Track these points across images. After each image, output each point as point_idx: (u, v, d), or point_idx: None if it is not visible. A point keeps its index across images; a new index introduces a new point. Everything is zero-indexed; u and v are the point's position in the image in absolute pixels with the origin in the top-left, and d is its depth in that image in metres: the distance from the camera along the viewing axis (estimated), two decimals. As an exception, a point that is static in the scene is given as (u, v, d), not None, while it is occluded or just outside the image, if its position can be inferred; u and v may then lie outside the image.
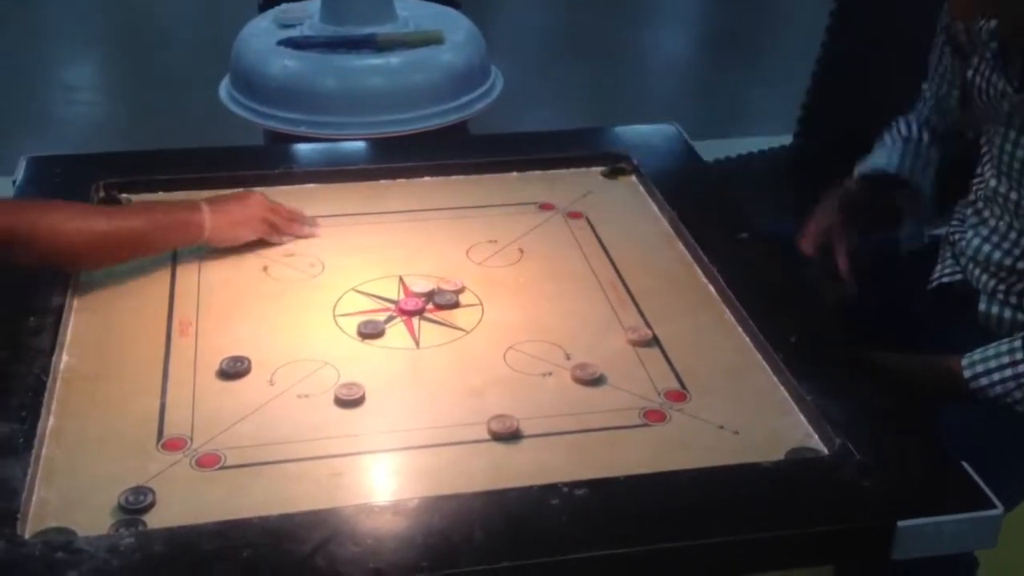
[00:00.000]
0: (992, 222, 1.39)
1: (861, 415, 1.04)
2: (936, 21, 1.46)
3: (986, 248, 1.39)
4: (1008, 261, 1.37)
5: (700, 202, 1.47)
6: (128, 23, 4.23)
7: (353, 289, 1.27)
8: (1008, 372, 1.23)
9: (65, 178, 1.46)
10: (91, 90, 3.84)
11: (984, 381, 1.25)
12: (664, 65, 4.15)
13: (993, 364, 1.24)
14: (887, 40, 1.99)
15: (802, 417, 1.07)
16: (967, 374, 1.26)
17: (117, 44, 4.14)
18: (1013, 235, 1.36)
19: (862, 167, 1.50)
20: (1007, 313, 1.38)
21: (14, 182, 1.44)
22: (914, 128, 1.51)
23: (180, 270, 1.29)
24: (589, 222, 1.43)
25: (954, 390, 1.26)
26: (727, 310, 1.24)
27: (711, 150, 1.87)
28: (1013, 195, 1.34)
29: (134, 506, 0.92)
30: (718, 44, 4.43)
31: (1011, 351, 1.24)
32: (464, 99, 1.99)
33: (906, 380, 1.21)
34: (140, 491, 0.93)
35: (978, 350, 1.27)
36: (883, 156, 1.49)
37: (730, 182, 1.61)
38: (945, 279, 1.46)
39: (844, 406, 1.05)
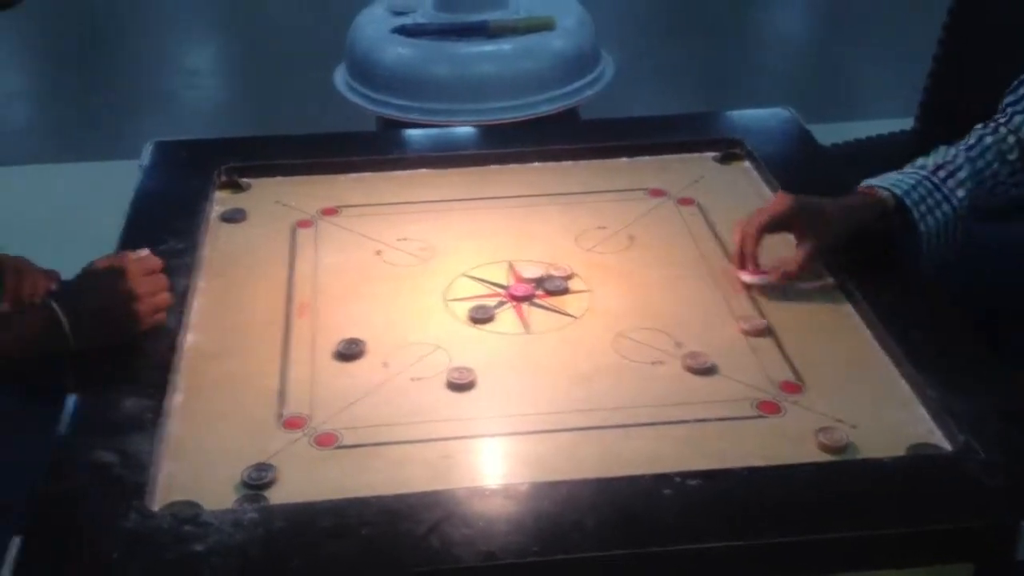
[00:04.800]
0: None
1: (986, 412, 1.01)
2: None
3: None
4: None
5: (816, 188, 1.42)
6: (246, 10, 4.33)
7: (464, 274, 1.28)
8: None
9: (189, 162, 1.51)
10: (211, 75, 3.95)
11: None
12: (778, 44, 4.06)
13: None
14: (1018, 18, 1.91)
15: (924, 412, 1.04)
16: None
17: (236, 31, 4.24)
18: None
19: (875, 179, 1.31)
20: None
21: (140, 165, 1.49)
22: (959, 162, 1.29)
23: (298, 254, 1.32)
24: (700, 208, 1.42)
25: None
26: (844, 299, 1.21)
27: (828, 134, 1.83)
28: None
29: (256, 482, 0.95)
30: (835, 20, 4.30)
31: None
32: (574, 85, 1.98)
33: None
34: (262, 467, 0.96)
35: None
36: (900, 176, 1.30)
37: (848, 167, 1.56)
38: None
39: (969, 402, 1.02)
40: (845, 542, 0.90)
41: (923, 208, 1.26)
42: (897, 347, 1.10)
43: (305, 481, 0.96)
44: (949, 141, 1.92)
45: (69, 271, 1.22)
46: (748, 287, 1.23)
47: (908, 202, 1.25)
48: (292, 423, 1.04)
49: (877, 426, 1.02)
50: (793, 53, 3.97)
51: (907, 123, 2.07)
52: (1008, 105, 1.36)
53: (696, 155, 1.55)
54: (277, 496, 0.94)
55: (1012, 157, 1.31)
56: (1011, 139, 1.31)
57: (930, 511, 0.92)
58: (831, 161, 1.57)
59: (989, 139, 1.32)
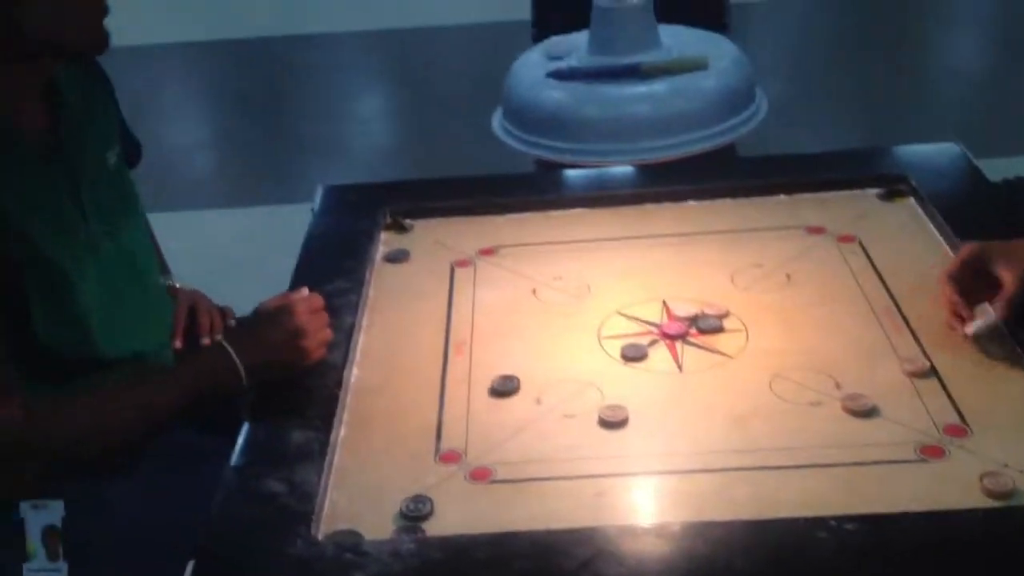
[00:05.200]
0: None
1: None
2: None
3: None
4: None
5: (985, 226, 1.38)
6: (412, 58, 4.50)
7: (617, 312, 1.29)
8: None
9: (356, 205, 1.58)
10: (378, 121, 4.12)
11: None
12: (946, 74, 3.91)
13: None
14: None
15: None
16: None
17: (402, 78, 4.40)
18: None
19: None
20: None
21: (312, 209, 1.57)
22: None
23: (457, 292, 1.36)
24: (862, 246, 1.38)
25: None
26: (1012, 340, 1.16)
27: (999, 169, 1.76)
28: None
29: (414, 513, 0.98)
30: (1005, 50, 4.12)
31: None
32: (728, 123, 1.98)
33: None
34: (420, 500, 1.00)
35: None
36: None
37: (1019, 204, 1.50)
38: None
39: None
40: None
41: None
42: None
43: (460, 514, 0.99)
44: None
45: (247, 309, 1.30)
46: (974, 337, 1.16)
47: None
48: (448, 457, 1.07)
49: (1050, 473, 0.98)
50: (961, 84, 3.82)
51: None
52: None
53: (858, 192, 1.51)
54: (433, 528, 0.97)
55: None
56: None
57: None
58: (1002, 198, 1.51)
59: None
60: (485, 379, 1.18)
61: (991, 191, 1.50)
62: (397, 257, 1.46)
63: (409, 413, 1.14)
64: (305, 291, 1.23)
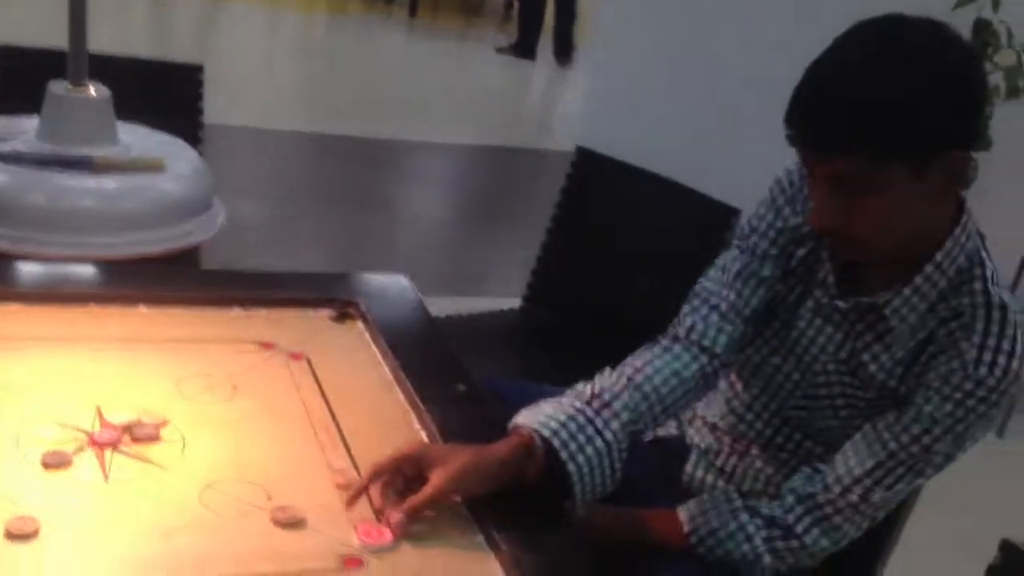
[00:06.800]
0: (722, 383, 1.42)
1: (555, 565, 1.07)
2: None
3: (712, 406, 1.42)
4: (728, 421, 1.41)
5: (423, 352, 1.49)
6: None
7: (43, 417, 1.19)
8: (732, 526, 1.28)
9: None
10: None
11: (704, 533, 1.28)
12: (412, 221, 4.27)
13: (713, 517, 1.28)
14: (612, 224, 2.15)
15: (498, 566, 1.07)
16: (687, 527, 1.29)
17: None
18: (745, 395, 1.40)
19: (527, 413, 1.24)
20: (711, 478, 1.43)
21: None
22: (616, 391, 1.26)
23: None
24: (310, 363, 1.42)
25: (648, 542, 1.29)
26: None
27: (444, 306, 1.92)
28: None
29: None
30: (467, 206, 4.62)
31: (730, 505, 1.29)
32: (181, 229, 1.96)
33: (603, 532, 1.24)
34: None
35: (693, 501, 1.31)
36: (544, 415, 1.23)
37: (456, 337, 1.65)
38: (661, 432, 1.46)
39: (538, 556, 1.07)
40: None
41: (573, 447, 1.20)
42: (479, 505, 1.15)
43: None
44: (548, 320, 2.06)
45: None
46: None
47: (556, 442, 1.19)
48: None
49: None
50: (422, 230, 4.19)
51: (516, 303, 2.24)
52: (685, 314, 1.35)
53: (312, 312, 1.56)
54: None
55: (690, 372, 1.29)
56: (690, 352, 1.30)
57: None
58: (439, 328, 1.64)
59: (658, 361, 1.30)
60: None
61: (430, 321, 1.63)
62: None
63: None
64: None
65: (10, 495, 1.05)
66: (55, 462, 1.11)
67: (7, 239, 1.79)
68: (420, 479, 1.13)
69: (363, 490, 1.13)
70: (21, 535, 0.99)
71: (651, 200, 2.10)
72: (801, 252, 1.31)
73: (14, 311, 1.40)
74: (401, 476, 1.15)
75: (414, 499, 1.11)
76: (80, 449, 1.14)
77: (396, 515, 1.10)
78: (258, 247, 2.76)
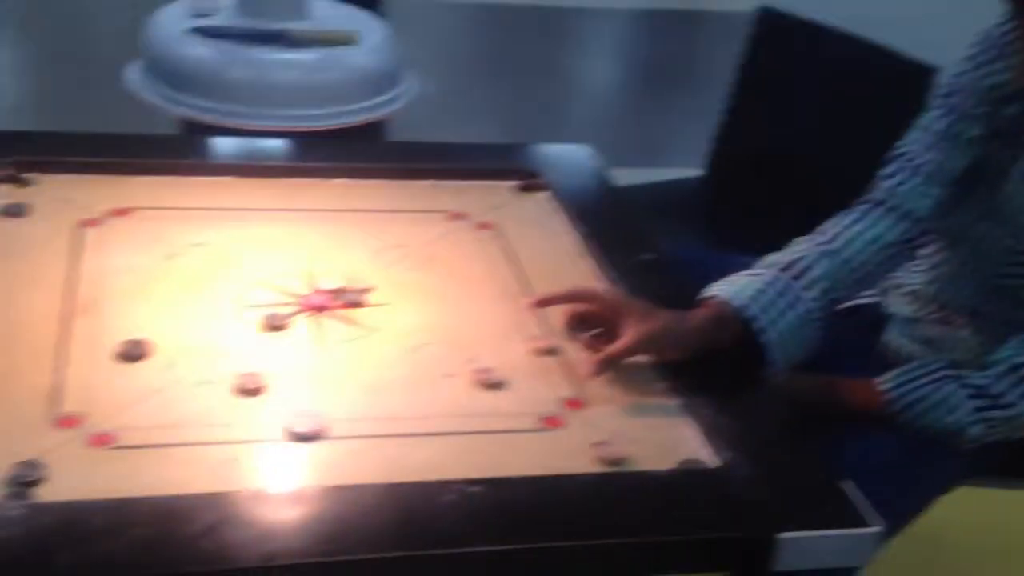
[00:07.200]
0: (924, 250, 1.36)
1: (752, 430, 1.08)
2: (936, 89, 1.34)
3: (914, 274, 1.37)
4: (932, 289, 1.36)
5: (609, 222, 1.51)
6: (40, 5, 4.13)
7: (259, 282, 1.27)
8: (936, 396, 1.24)
9: (-30, 152, 1.43)
10: (3, 72, 3.73)
11: (905, 403, 1.25)
12: (587, 91, 4.22)
13: (915, 387, 1.24)
14: (798, 85, 2.07)
15: (694, 430, 1.10)
16: (887, 397, 1.26)
17: (31, 25, 4.03)
18: (950, 262, 1.34)
19: (721, 283, 1.25)
20: (912, 348, 1.39)
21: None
22: (812, 258, 1.25)
23: (83, 252, 1.27)
24: (499, 233, 1.46)
25: (843, 410, 1.29)
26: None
27: (626, 177, 1.92)
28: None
29: (23, 479, 0.90)
30: (643, 74, 4.52)
31: (934, 374, 1.25)
32: (375, 100, 2.01)
33: (798, 398, 1.24)
34: (30, 465, 0.92)
35: (894, 370, 1.28)
36: (738, 285, 1.23)
37: (640, 206, 1.65)
38: (859, 301, 1.42)
39: (736, 421, 1.09)
40: (614, 548, 0.94)
41: (769, 316, 1.20)
42: (669, 368, 1.17)
43: (77, 480, 0.92)
44: (731, 188, 2.02)
45: None
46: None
47: (751, 312, 1.19)
48: (66, 422, 0.99)
49: (652, 442, 1.08)
50: (601, 100, 4.13)
51: (698, 172, 2.21)
52: (884, 178, 1.32)
53: (497, 183, 1.59)
54: (46, 494, 0.90)
55: (891, 237, 1.26)
56: (890, 218, 1.27)
57: (694, 522, 0.98)
58: (624, 198, 1.65)
59: (857, 227, 1.27)
60: (111, 343, 1.11)
61: (615, 191, 1.64)
62: (14, 211, 1.34)
63: (21, 375, 1.05)
64: None
65: (235, 353, 1.13)
66: (274, 324, 1.19)
67: (215, 112, 1.88)
68: (611, 332, 1.16)
69: (558, 300, 1.19)
70: (249, 390, 1.07)
71: (840, 60, 2.01)
72: (1009, 111, 1.24)
73: (223, 184, 1.48)
74: (594, 316, 1.18)
75: (610, 349, 1.14)
76: (295, 313, 1.22)
77: (589, 363, 1.14)
78: (435, 119, 2.80)
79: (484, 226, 1.47)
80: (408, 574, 0.90)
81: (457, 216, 1.48)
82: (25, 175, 1.40)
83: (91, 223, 1.33)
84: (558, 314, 1.26)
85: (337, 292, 1.26)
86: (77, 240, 1.29)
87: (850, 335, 1.43)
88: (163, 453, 0.98)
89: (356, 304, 1.25)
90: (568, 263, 1.40)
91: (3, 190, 1.38)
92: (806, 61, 2.06)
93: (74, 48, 3.67)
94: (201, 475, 0.95)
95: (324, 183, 1.52)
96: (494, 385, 1.13)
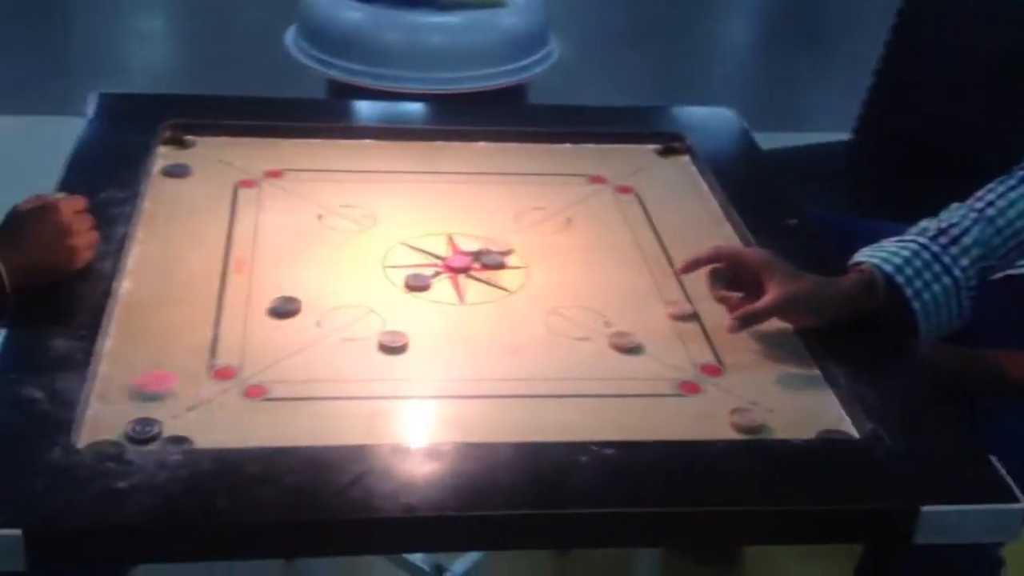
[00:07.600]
0: None
1: (895, 401, 1.06)
2: None
3: None
4: None
5: (752, 186, 1.48)
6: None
7: (402, 243, 1.30)
8: None
9: (134, 116, 1.51)
10: (162, 39, 3.90)
11: None
12: (728, 54, 4.11)
13: None
14: (955, 49, 1.98)
15: (835, 399, 1.08)
16: None
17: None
18: None
19: (869, 250, 1.21)
20: None
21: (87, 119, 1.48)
22: (966, 225, 1.19)
23: (239, 212, 1.33)
24: (638, 197, 1.45)
25: (991, 384, 1.24)
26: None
27: (767, 141, 1.88)
28: None
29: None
30: (786, 37, 4.38)
31: None
32: (521, 63, 2.03)
33: (944, 369, 1.20)
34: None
35: None
36: (887, 251, 1.19)
37: (784, 170, 1.62)
38: (1013, 271, 1.33)
39: (878, 391, 1.06)
40: (750, 515, 0.93)
41: (918, 284, 1.16)
42: (812, 337, 1.15)
43: (233, 429, 0.98)
44: (881, 156, 1.95)
45: None
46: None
47: (900, 279, 1.15)
48: (222, 373, 1.05)
49: (791, 411, 1.06)
50: (743, 64, 4.03)
51: (844, 137, 2.14)
52: None
53: (638, 146, 1.58)
54: (203, 442, 0.95)
55: None
56: None
57: (832, 493, 0.96)
58: (768, 162, 1.62)
59: (1014, 193, 1.20)
60: (265, 299, 1.16)
61: (759, 154, 1.60)
62: (176, 172, 1.41)
63: (182, 328, 1.11)
64: (62, 194, 1.17)
65: (380, 312, 1.17)
66: (417, 284, 1.22)
67: (366, 76, 1.93)
68: (755, 294, 1.15)
69: (703, 260, 1.18)
70: (393, 347, 1.11)
71: (999, 20, 1.91)
72: None
73: (368, 146, 1.52)
74: (739, 275, 1.17)
75: (751, 307, 1.13)
76: (437, 274, 1.25)
77: (729, 320, 1.13)
78: (574, 82, 2.80)
79: (624, 190, 1.47)
80: (541, 531, 0.92)
81: (597, 180, 1.49)
82: (186, 137, 1.47)
83: (248, 183, 1.39)
84: (697, 280, 1.24)
85: (477, 254, 1.28)
86: (235, 200, 1.35)
87: (1007, 305, 1.36)
88: (311, 406, 1.03)
89: (496, 266, 1.27)
90: (708, 227, 1.39)
91: (164, 151, 1.45)
92: (960, 20, 1.96)
93: (231, 15, 3.79)
94: (347, 428, 0.99)
95: (466, 146, 1.54)
96: (631, 349, 1.14)
